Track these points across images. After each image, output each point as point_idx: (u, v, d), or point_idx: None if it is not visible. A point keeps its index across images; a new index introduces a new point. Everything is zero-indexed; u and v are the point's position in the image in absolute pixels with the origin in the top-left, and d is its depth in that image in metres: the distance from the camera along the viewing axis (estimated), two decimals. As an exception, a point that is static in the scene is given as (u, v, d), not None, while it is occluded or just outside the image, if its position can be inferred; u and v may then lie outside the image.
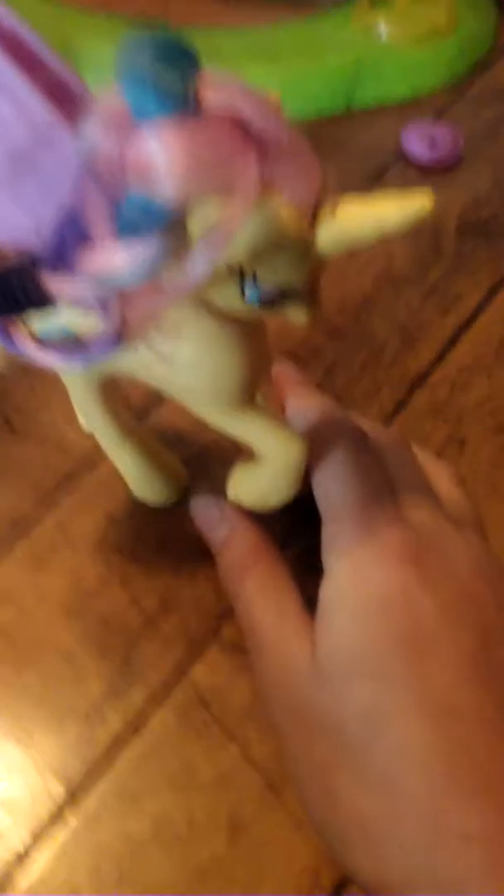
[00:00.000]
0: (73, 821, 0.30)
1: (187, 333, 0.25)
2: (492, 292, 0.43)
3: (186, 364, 0.26)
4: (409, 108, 0.52)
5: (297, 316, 0.23)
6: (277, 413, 0.32)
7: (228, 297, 0.23)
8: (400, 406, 0.39)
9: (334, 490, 0.29)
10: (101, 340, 0.23)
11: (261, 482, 0.30)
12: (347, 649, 0.26)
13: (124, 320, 0.22)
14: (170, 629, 0.34)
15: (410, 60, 0.54)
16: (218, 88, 0.19)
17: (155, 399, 0.40)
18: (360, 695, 0.25)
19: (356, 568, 0.26)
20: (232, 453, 0.31)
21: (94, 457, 0.38)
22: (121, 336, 0.22)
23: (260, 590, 0.29)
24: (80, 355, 0.23)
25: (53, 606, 0.34)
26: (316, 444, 0.29)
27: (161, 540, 0.36)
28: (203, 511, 0.32)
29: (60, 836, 0.29)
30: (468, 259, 0.44)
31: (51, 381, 0.40)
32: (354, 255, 0.44)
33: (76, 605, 0.34)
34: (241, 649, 0.33)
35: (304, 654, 0.26)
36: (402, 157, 0.49)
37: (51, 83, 0.20)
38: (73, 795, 0.30)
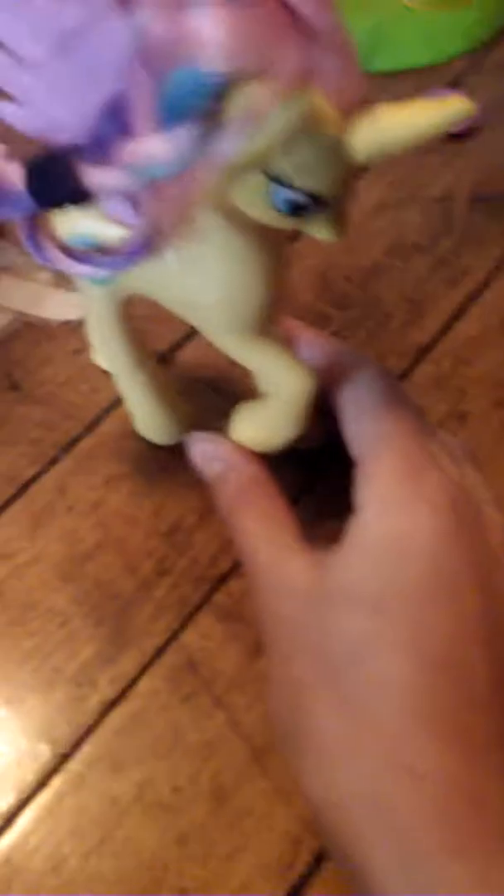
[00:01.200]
0: (58, 784, 0.29)
1: (213, 241, 0.24)
2: (501, 265, 0.41)
3: (210, 273, 0.25)
4: (427, 75, 0.50)
5: (323, 231, 0.23)
6: (290, 348, 0.31)
7: (256, 200, 0.22)
8: (403, 377, 0.38)
9: (371, 426, 0.27)
10: (131, 244, 0.22)
11: (266, 420, 0.29)
12: (356, 582, 0.25)
13: (156, 220, 0.21)
14: (163, 595, 0.33)
15: (431, 26, 0.52)
16: None
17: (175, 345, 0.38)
18: (355, 622, 0.24)
19: (387, 506, 0.26)
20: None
21: (96, 419, 0.37)
22: (150, 239, 0.22)
23: (256, 519, 0.28)
24: (107, 262, 0.23)
25: (48, 568, 0.33)
26: (341, 377, 0.29)
27: (157, 505, 0.35)
28: (199, 445, 0.31)
29: (45, 798, 0.29)
30: (479, 231, 0.42)
31: (54, 341, 0.39)
32: (365, 223, 0.43)
33: (71, 567, 0.33)
34: (232, 616, 0.32)
35: (301, 576, 0.26)
36: (417, 125, 0.47)
37: None
38: (60, 759, 0.30)
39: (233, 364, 0.29)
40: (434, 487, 0.26)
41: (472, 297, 0.40)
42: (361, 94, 0.20)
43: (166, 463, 0.36)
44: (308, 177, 0.21)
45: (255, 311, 0.26)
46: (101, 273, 0.23)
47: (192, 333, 0.39)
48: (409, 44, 0.51)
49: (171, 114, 0.20)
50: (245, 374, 0.29)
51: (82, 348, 0.39)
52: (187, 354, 0.39)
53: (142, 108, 0.20)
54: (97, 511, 0.35)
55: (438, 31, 0.52)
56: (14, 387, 0.38)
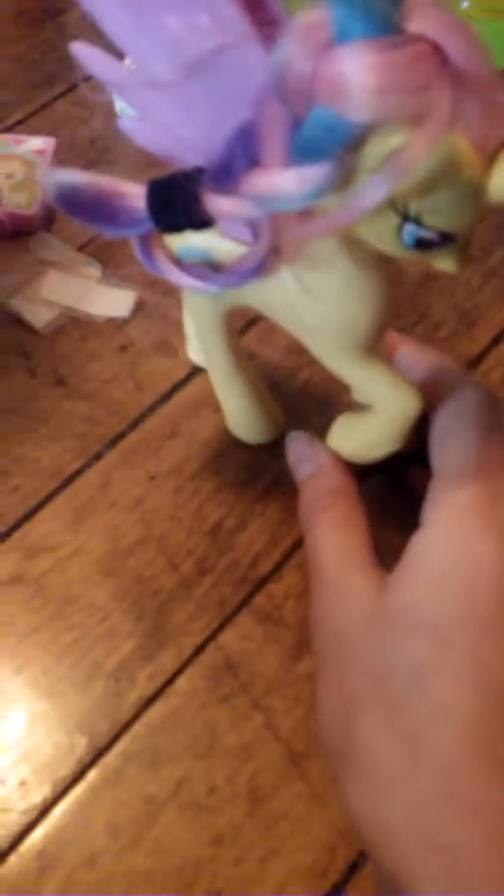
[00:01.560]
0: (94, 778, 0.29)
1: (336, 267, 0.24)
2: None
3: (329, 299, 0.25)
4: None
5: (448, 263, 0.22)
6: (396, 368, 0.31)
7: (385, 236, 0.22)
8: (451, 388, 0.38)
9: (456, 447, 0.27)
10: (245, 265, 0.22)
11: (366, 433, 0.30)
12: (420, 603, 0.25)
13: (274, 246, 0.21)
14: (203, 594, 0.33)
15: (491, 33, 0.52)
16: (424, 15, 0.18)
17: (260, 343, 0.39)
18: (416, 647, 0.24)
19: (458, 531, 0.26)
20: (330, 404, 0.31)
21: (141, 417, 0.37)
22: (267, 262, 0.22)
23: (333, 528, 0.29)
24: (218, 279, 0.23)
25: (89, 562, 0.34)
26: (440, 394, 0.29)
27: (200, 504, 0.35)
28: (296, 445, 0.32)
29: (81, 792, 0.29)
30: (533, 243, 0.42)
31: (101, 337, 0.40)
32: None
33: (112, 562, 0.34)
34: (272, 619, 0.32)
35: (365, 594, 0.26)
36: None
37: None
38: (97, 753, 0.30)
39: (287, 356, 0.29)
40: None
41: (524, 309, 0.40)
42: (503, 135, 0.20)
43: (209, 462, 0.36)
44: (442, 217, 0.20)
45: (367, 333, 0.26)
46: (212, 288, 0.23)
47: (254, 320, 0.39)
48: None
49: (305, 152, 0.19)
50: (297, 366, 0.30)
51: (128, 345, 0.40)
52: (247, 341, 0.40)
53: (273, 141, 0.20)
54: (140, 507, 0.35)
55: (499, 39, 0.52)
56: (60, 382, 0.39)
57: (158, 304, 0.41)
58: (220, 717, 0.30)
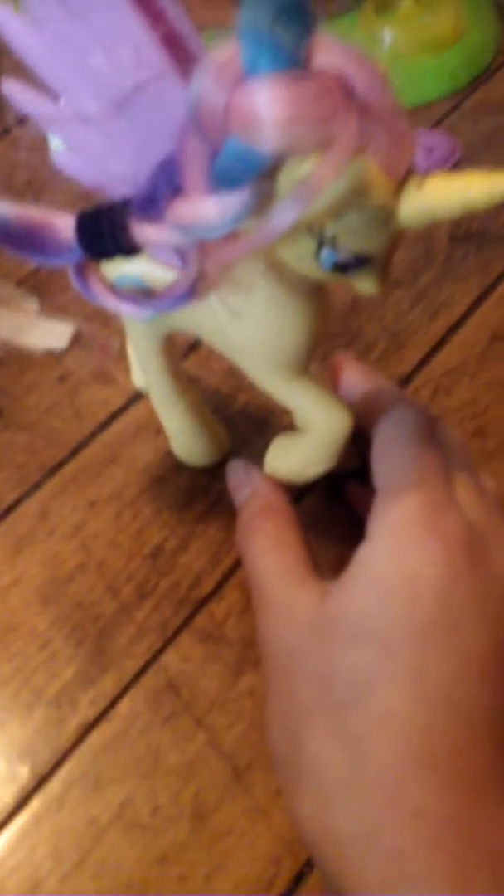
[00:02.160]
0: (36, 805, 0.30)
1: (259, 290, 0.25)
2: (479, 300, 0.43)
3: (253, 320, 0.26)
4: (410, 115, 0.52)
5: (366, 286, 0.23)
6: (328, 385, 0.32)
7: (304, 259, 0.23)
8: (384, 407, 0.39)
9: (397, 462, 0.28)
10: (175, 290, 0.23)
11: (300, 453, 0.31)
12: (363, 612, 0.26)
13: (201, 271, 0.22)
14: (144, 617, 0.33)
15: (414, 68, 0.54)
16: (328, 50, 0.19)
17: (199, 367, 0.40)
18: (359, 657, 0.25)
19: (400, 541, 0.26)
20: (269, 425, 0.33)
21: (79, 445, 0.38)
22: (196, 287, 0.23)
23: (268, 546, 0.30)
24: (151, 304, 0.24)
25: (29, 590, 0.34)
26: (379, 410, 0.30)
27: (140, 529, 0.36)
28: (234, 473, 0.33)
29: (24, 820, 0.29)
30: (458, 266, 0.44)
31: (39, 369, 0.40)
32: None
33: (52, 590, 0.34)
34: (213, 638, 0.33)
35: (306, 606, 0.27)
36: (398, 163, 0.49)
37: (169, 35, 0.21)
38: (39, 780, 0.30)
39: (226, 380, 0.30)
40: (449, 527, 0.26)
41: (451, 330, 0.42)
42: (411, 162, 0.21)
43: (149, 487, 0.37)
44: (355, 239, 0.22)
45: (296, 354, 0.27)
46: (146, 313, 0.24)
47: (194, 346, 0.40)
48: (394, 85, 0.53)
49: (221, 181, 0.21)
50: (237, 389, 0.31)
51: (66, 375, 0.40)
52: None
53: (194, 171, 0.21)
54: (79, 534, 0.36)
55: (421, 74, 0.54)
56: (0, 414, 0.39)
57: (96, 335, 0.42)
58: (162, 737, 0.31)
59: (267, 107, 0.19)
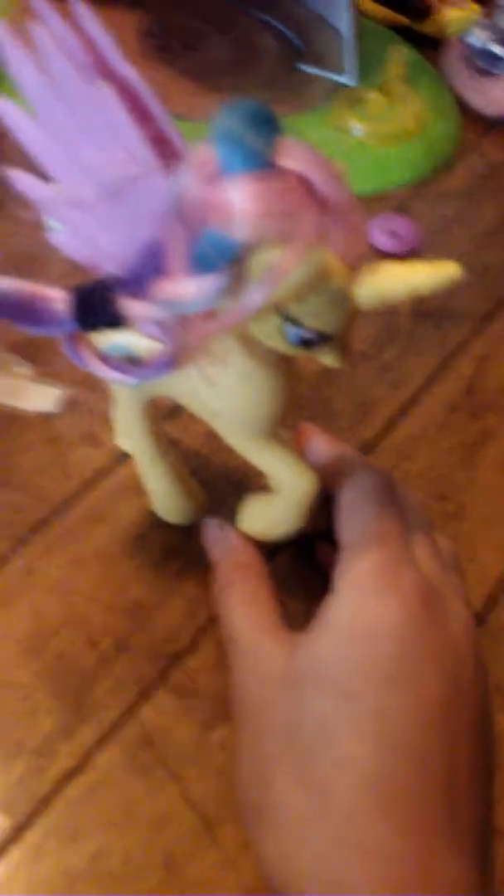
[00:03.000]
0: (15, 855, 0.29)
1: (232, 361, 0.26)
2: (438, 371, 0.43)
3: (227, 388, 0.27)
4: (376, 200, 0.53)
5: (328, 359, 0.24)
6: (297, 450, 0.32)
7: (272, 335, 0.24)
8: (350, 471, 0.39)
9: (359, 521, 0.29)
10: (159, 360, 0.24)
11: (271, 512, 0.31)
12: (326, 663, 0.26)
13: (182, 344, 0.23)
14: (122, 670, 0.33)
15: (380, 158, 0.55)
16: (293, 153, 0.21)
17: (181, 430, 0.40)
18: (323, 705, 0.25)
19: (362, 596, 0.27)
20: (245, 486, 0.33)
21: (66, 504, 0.38)
22: (177, 357, 0.24)
23: (242, 601, 0.30)
24: (137, 372, 0.25)
25: (13, 643, 0.33)
26: (343, 474, 0.31)
27: (120, 585, 0.35)
28: (209, 530, 0.34)
29: (2, 869, 0.28)
30: (419, 341, 0.44)
31: (31, 430, 0.40)
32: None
33: (35, 643, 0.33)
34: (187, 692, 0.32)
35: (275, 657, 0.27)
36: (366, 244, 0.50)
37: (157, 134, 0.22)
38: (17, 830, 0.29)
39: (204, 443, 0.30)
40: (407, 581, 0.27)
41: (413, 400, 0.42)
42: (366, 252, 0.22)
43: (130, 544, 0.36)
44: (317, 319, 0.23)
45: (265, 420, 0.28)
46: (132, 380, 0.25)
47: (175, 411, 0.40)
48: (360, 172, 0.54)
49: (200, 265, 0.22)
50: (215, 451, 0.31)
51: (56, 437, 0.40)
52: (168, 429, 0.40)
53: (176, 255, 0.22)
54: (62, 589, 0.35)
55: (387, 163, 0.55)
56: (-10, 472, 0.39)
57: (85, 400, 0.42)
58: (136, 788, 0.30)
59: (240, 202, 0.20)
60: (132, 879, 0.28)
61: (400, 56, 0.57)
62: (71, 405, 0.41)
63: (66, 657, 0.33)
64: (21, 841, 0.29)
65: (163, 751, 0.31)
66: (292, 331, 0.23)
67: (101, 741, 0.31)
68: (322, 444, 0.33)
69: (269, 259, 0.21)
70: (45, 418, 0.41)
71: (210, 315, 0.23)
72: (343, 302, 0.22)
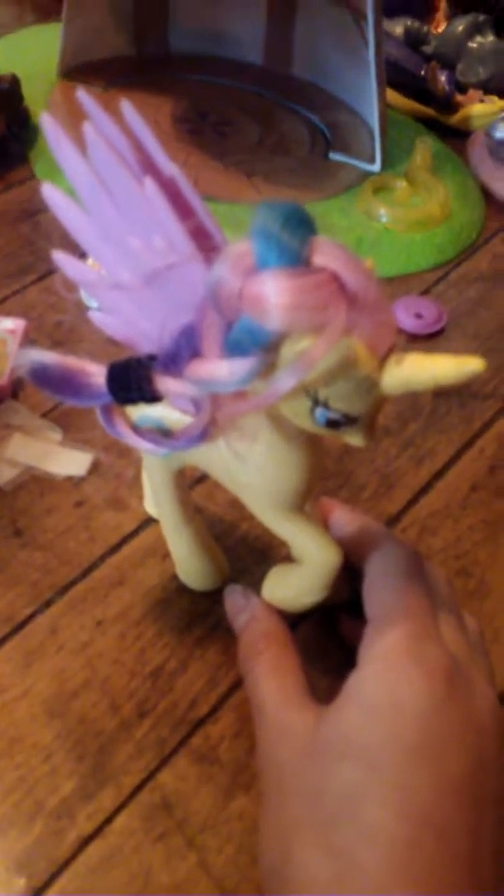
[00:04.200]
0: (30, 916, 0.29)
1: (262, 439, 0.28)
2: (462, 449, 0.44)
3: (256, 464, 0.29)
4: (400, 283, 0.55)
5: (354, 440, 0.26)
6: (320, 523, 0.34)
7: (301, 415, 0.25)
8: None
9: (387, 595, 0.30)
10: (189, 433, 0.26)
11: (295, 583, 0.32)
12: (351, 733, 0.26)
13: (213, 419, 0.25)
14: (142, 735, 0.33)
15: (405, 243, 0.58)
16: (325, 250, 0.22)
17: (205, 497, 0.41)
18: (348, 774, 0.26)
19: (389, 671, 0.27)
20: (268, 555, 0.34)
21: (91, 566, 0.39)
22: (207, 431, 0.25)
23: (269, 671, 0.30)
24: (167, 444, 0.27)
25: (36, 703, 0.34)
26: (369, 546, 0.32)
27: (142, 649, 0.36)
28: (232, 598, 0.35)
29: (17, 930, 0.29)
30: (442, 418, 0.46)
31: (58, 493, 0.42)
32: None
33: (57, 704, 0.34)
34: (207, 759, 0.33)
35: (302, 728, 0.28)
36: (391, 324, 0.52)
37: (196, 227, 0.24)
38: (35, 892, 0.29)
39: (229, 511, 0.31)
40: (433, 658, 0.28)
41: (436, 476, 0.43)
42: (392, 343, 0.24)
43: (153, 608, 0.37)
44: (344, 402, 0.24)
45: (292, 495, 0.29)
46: (162, 451, 0.27)
47: (201, 478, 0.42)
48: (386, 257, 0.57)
49: (234, 349, 0.23)
50: (238, 519, 0.32)
51: (83, 500, 0.42)
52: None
53: (211, 338, 0.24)
54: (86, 651, 0.36)
55: (412, 248, 0.58)
56: (17, 533, 0.40)
57: (112, 465, 0.43)
58: (154, 855, 0.30)
59: (273, 295, 0.22)
60: None
61: (426, 146, 0.61)
62: (98, 470, 0.43)
63: (87, 720, 0.34)
64: (37, 905, 0.29)
65: (182, 818, 0.31)
66: (321, 413, 0.25)
67: (121, 806, 0.31)
68: (346, 517, 0.35)
69: (300, 347, 0.23)
70: (73, 482, 0.42)
71: (241, 395, 0.25)
72: (370, 388, 0.24)
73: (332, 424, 0.25)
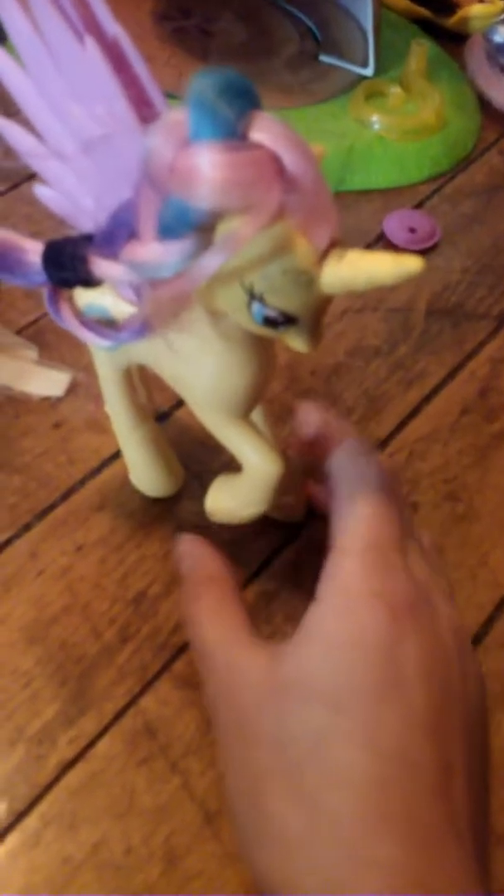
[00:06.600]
0: (13, 842, 0.29)
1: (203, 336, 0.27)
2: (453, 372, 0.44)
3: (192, 359, 0.28)
4: (393, 195, 0.54)
5: (296, 342, 0.25)
6: (266, 432, 0.33)
7: (238, 310, 0.24)
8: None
9: (354, 521, 0.28)
10: (132, 325, 0.25)
11: (237, 493, 0.31)
12: (314, 673, 0.26)
13: (153, 309, 0.24)
14: (124, 660, 0.33)
15: (398, 152, 0.56)
16: (265, 127, 0.21)
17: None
18: (312, 717, 0.25)
19: (350, 603, 0.26)
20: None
21: (71, 490, 0.38)
22: (148, 323, 0.24)
23: (209, 613, 0.29)
24: (112, 335, 0.25)
25: (15, 630, 0.34)
26: (328, 448, 0.31)
27: (124, 574, 0.36)
28: (181, 546, 0.33)
29: (0, 852, 0.29)
30: (434, 339, 0.45)
31: (35, 414, 0.41)
32: (330, 325, 0.45)
33: (37, 630, 0.34)
34: (190, 684, 0.33)
35: (256, 670, 0.27)
36: (382, 240, 0.50)
37: (139, 95, 0.23)
38: (16, 817, 0.30)
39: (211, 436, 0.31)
40: (396, 589, 0.27)
41: (426, 399, 0.43)
42: (335, 238, 0.22)
43: (135, 533, 0.37)
44: (280, 299, 0.23)
45: (235, 399, 0.28)
46: (106, 343, 0.25)
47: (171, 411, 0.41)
48: (379, 167, 0.55)
49: (166, 230, 0.22)
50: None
51: (61, 422, 0.41)
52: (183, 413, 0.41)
53: (146, 218, 0.22)
54: (66, 576, 0.36)
55: (406, 158, 0.56)
56: (-6, 455, 0.39)
57: (91, 385, 0.42)
58: (137, 779, 0.31)
59: (203, 169, 0.20)
60: (133, 870, 0.29)
61: (421, 50, 0.58)
62: (76, 390, 0.42)
63: (68, 645, 0.34)
64: (20, 827, 0.29)
65: (165, 743, 0.31)
66: (257, 308, 0.24)
67: (103, 731, 0.32)
68: (310, 416, 0.33)
69: (230, 227, 0.22)
70: (50, 403, 0.41)
71: (177, 281, 0.23)
72: (307, 283, 0.23)
73: (270, 323, 0.24)
